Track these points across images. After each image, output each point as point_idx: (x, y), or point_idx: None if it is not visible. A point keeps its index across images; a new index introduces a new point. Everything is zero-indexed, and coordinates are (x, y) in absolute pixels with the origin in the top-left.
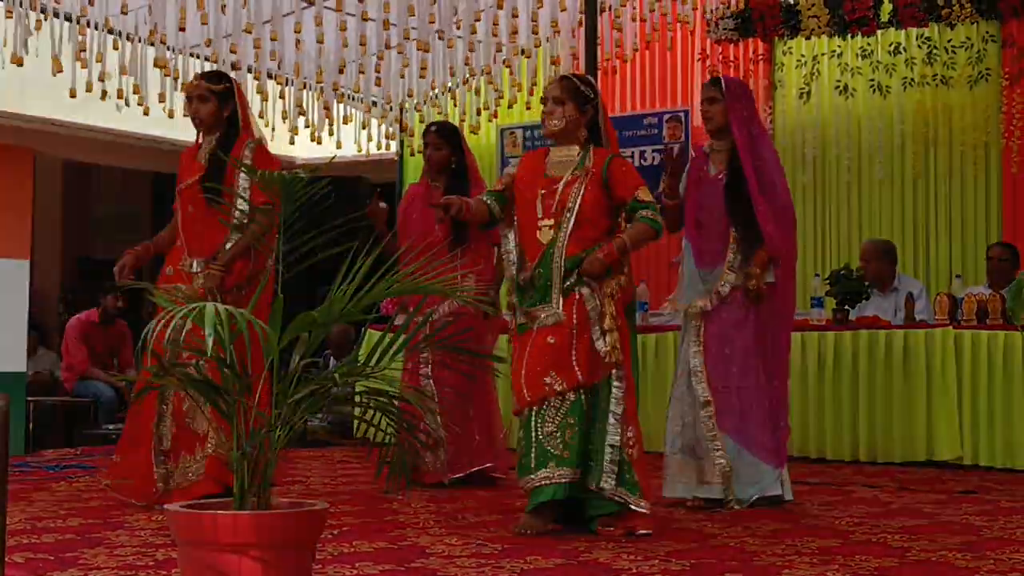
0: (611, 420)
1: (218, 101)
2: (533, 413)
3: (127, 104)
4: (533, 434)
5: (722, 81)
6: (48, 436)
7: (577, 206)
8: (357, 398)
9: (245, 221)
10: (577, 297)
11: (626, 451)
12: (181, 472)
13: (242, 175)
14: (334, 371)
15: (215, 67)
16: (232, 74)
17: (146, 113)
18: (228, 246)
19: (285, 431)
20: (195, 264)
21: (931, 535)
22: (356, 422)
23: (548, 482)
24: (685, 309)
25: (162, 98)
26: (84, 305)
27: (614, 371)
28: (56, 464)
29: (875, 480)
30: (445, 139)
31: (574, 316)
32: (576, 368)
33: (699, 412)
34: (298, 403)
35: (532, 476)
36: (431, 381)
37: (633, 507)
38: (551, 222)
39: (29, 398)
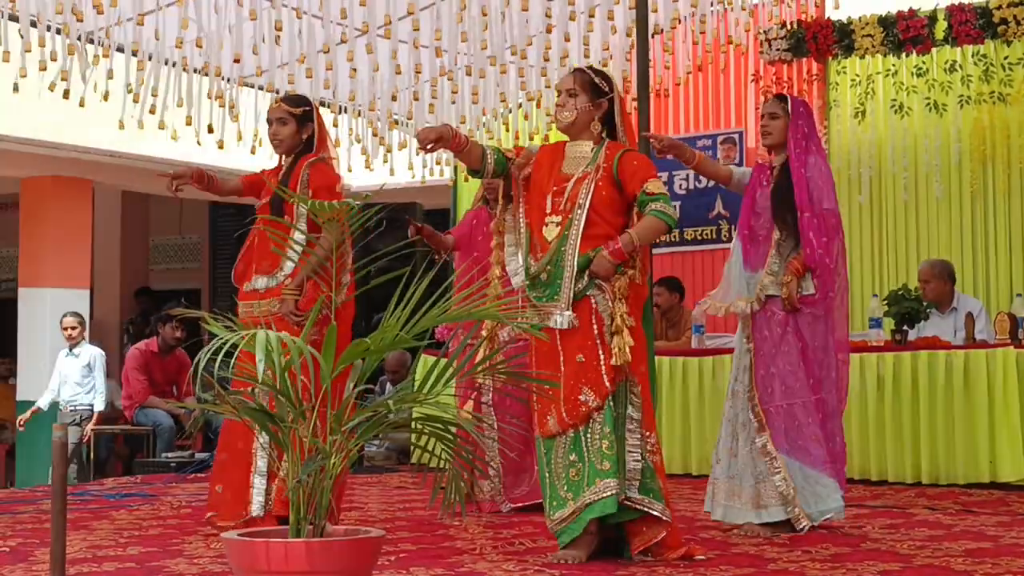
0: (630, 426)
1: (297, 123)
2: (581, 435)
3: (178, 133)
4: (586, 456)
5: (788, 99)
6: (109, 464)
7: (588, 203)
8: (413, 424)
9: (301, 247)
10: (593, 305)
11: (651, 458)
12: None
13: (298, 199)
14: (388, 398)
15: (271, 98)
16: None
17: (199, 143)
18: (283, 272)
19: (340, 459)
20: (260, 281)
21: (995, 558)
22: (413, 448)
23: (596, 498)
24: (726, 308)
25: (211, 129)
26: (148, 334)
27: (628, 375)
28: (116, 492)
29: (937, 502)
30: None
31: (594, 325)
32: (604, 378)
33: (753, 436)
34: (352, 430)
35: (583, 495)
36: (491, 409)
37: (657, 514)
38: (558, 219)
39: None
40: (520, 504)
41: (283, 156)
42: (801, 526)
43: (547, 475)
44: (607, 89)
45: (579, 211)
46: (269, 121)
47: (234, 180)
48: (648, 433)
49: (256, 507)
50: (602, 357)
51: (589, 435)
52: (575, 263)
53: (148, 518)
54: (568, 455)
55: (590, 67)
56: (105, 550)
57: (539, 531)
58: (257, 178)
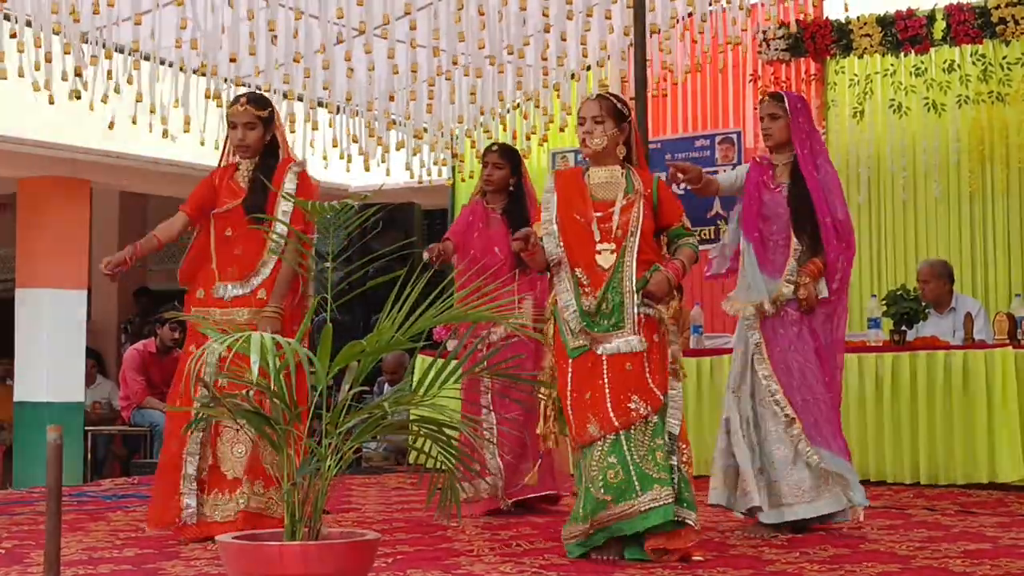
0: (667, 439)
1: (263, 126)
2: (621, 439)
3: (169, 133)
4: (628, 458)
5: (784, 97)
6: (107, 464)
7: (640, 229)
8: (410, 425)
9: (283, 247)
10: (644, 320)
11: (686, 469)
12: (211, 506)
13: (283, 200)
14: (384, 399)
15: (272, 98)
16: (283, 103)
17: (202, 144)
18: (259, 278)
19: (336, 460)
20: (227, 289)
21: (994, 559)
22: (410, 449)
23: (656, 504)
24: (742, 309)
25: (204, 128)
26: (146, 335)
27: (671, 390)
28: (113, 494)
29: (936, 503)
30: (506, 159)
31: (643, 339)
32: (656, 390)
33: (783, 432)
34: (348, 432)
35: (636, 501)
36: (489, 410)
37: (692, 523)
38: (611, 246)
39: (87, 427)
40: (519, 498)
41: (240, 158)
42: (856, 517)
43: (579, 480)
44: (627, 113)
45: (632, 238)
46: (234, 124)
47: (177, 221)
48: (684, 445)
49: (187, 514)
50: (648, 368)
51: (632, 442)
52: (635, 287)
53: (144, 520)
54: (607, 457)
55: (610, 93)
56: (101, 552)
57: (537, 532)
58: (203, 193)
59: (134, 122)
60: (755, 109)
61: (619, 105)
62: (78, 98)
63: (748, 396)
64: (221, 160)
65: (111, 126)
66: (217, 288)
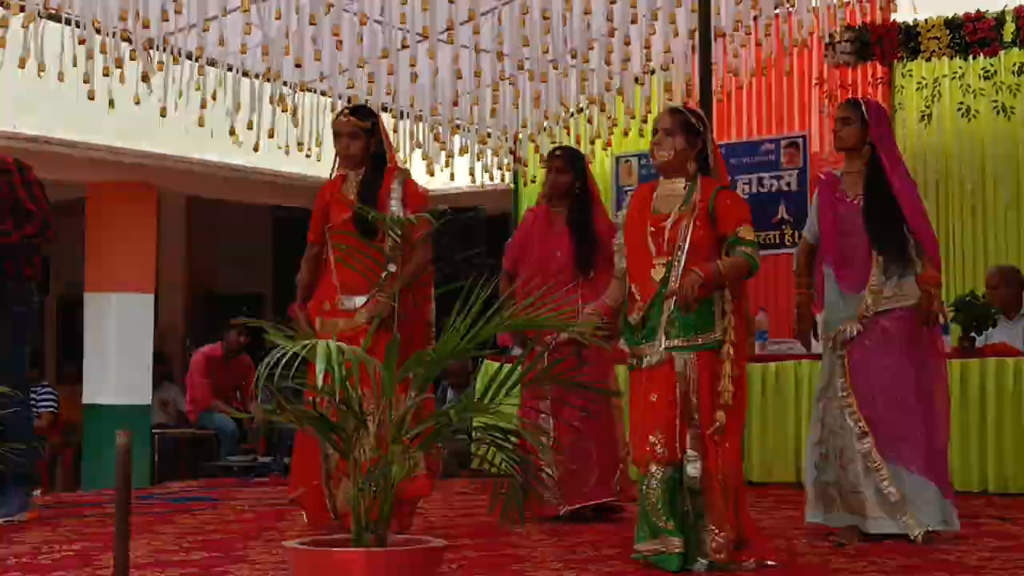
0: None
1: (366, 137)
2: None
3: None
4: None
5: (862, 104)
6: (174, 467)
7: (688, 243)
8: (474, 432)
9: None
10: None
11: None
12: (342, 498)
13: (392, 204)
14: (449, 408)
15: (330, 102)
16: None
17: (255, 149)
18: (386, 274)
19: (402, 467)
20: (354, 301)
21: None
22: (472, 455)
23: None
24: (832, 336)
25: (271, 134)
26: (211, 339)
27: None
28: (180, 496)
29: (1006, 512)
30: (570, 164)
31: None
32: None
33: (855, 443)
34: (414, 439)
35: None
36: (550, 416)
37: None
38: (664, 260)
39: (154, 430)
40: (577, 506)
41: (346, 169)
42: (914, 535)
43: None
44: (701, 129)
45: (679, 252)
46: (338, 134)
47: (314, 253)
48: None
49: (331, 512)
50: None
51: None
52: (673, 302)
53: (211, 523)
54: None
55: (686, 106)
56: (168, 555)
57: (601, 539)
58: (318, 217)
59: (201, 123)
60: (821, 113)
61: (693, 119)
62: (137, 103)
63: (832, 405)
64: (332, 171)
65: (192, 130)
66: (342, 301)
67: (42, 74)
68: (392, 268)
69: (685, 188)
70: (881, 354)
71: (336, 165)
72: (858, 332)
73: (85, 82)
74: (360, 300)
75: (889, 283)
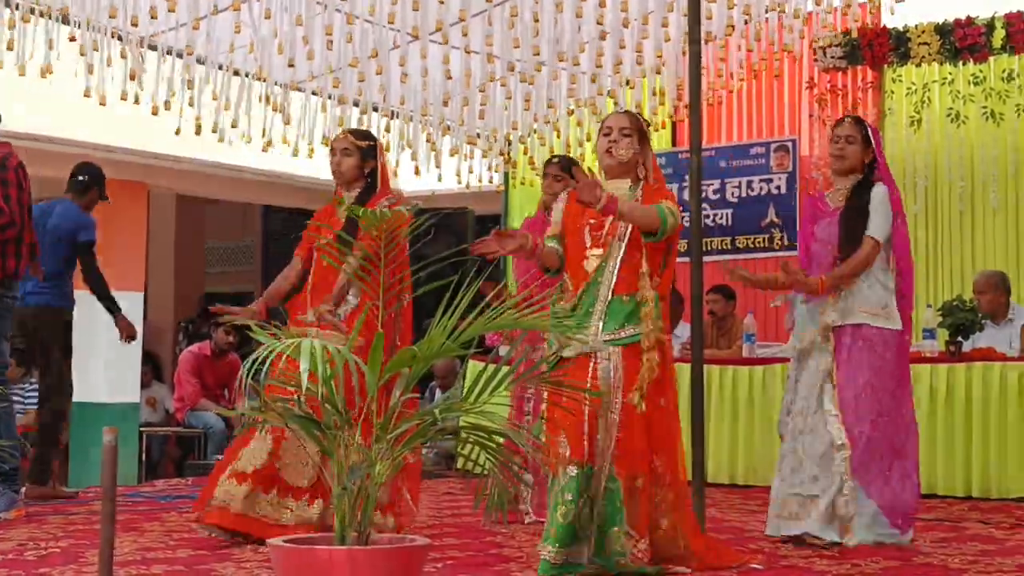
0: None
1: (361, 156)
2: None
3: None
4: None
5: (865, 123)
6: (162, 466)
7: (628, 234)
8: (459, 432)
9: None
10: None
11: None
12: (273, 506)
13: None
14: (434, 407)
15: (320, 101)
16: (337, 108)
17: (265, 148)
18: (351, 305)
19: (386, 466)
20: (313, 313)
21: None
22: (457, 455)
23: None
24: (798, 346)
25: (264, 133)
26: (204, 338)
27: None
28: (167, 495)
29: (989, 516)
30: (566, 172)
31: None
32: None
33: (833, 454)
34: (399, 438)
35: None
36: (531, 417)
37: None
38: (599, 251)
39: (142, 428)
40: (542, 520)
41: (343, 189)
42: (849, 541)
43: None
44: (649, 136)
45: (618, 243)
46: (333, 151)
47: (294, 268)
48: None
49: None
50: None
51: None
52: (610, 293)
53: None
54: (564, 493)
55: (636, 111)
56: (155, 552)
57: None
58: (311, 236)
59: (198, 131)
60: (811, 117)
61: (644, 125)
62: (136, 102)
63: (805, 414)
64: (336, 192)
65: (177, 132)
66: (310, 313)
67: (30, 71)
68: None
69: (628, 188)
70: (857, 372)
71: (336, 187)
72: (823, 344)
73: (75, 77)
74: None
75: (852, 294)
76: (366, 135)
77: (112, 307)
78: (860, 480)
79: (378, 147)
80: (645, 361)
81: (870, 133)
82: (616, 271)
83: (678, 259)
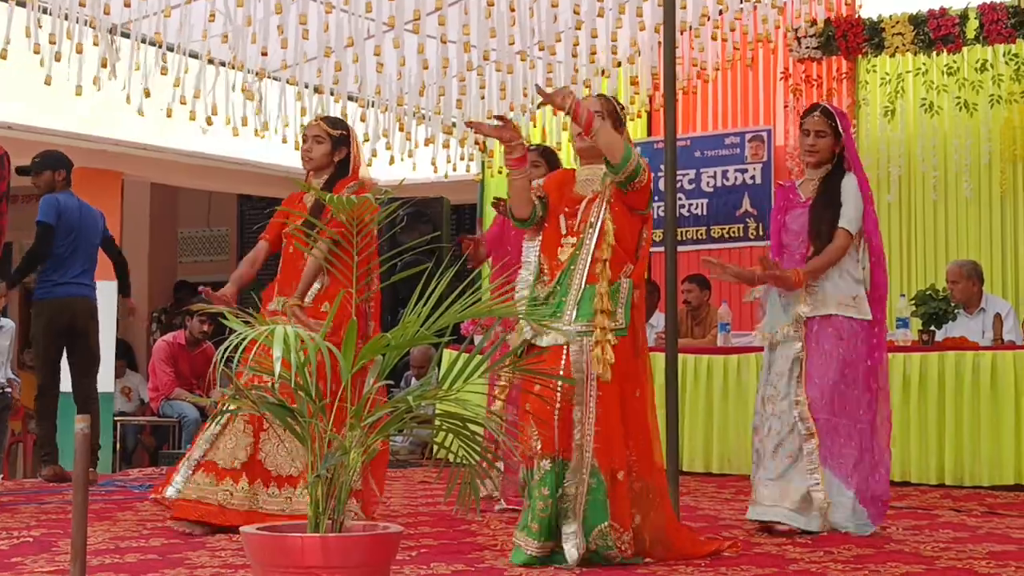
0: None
1: (332, 144)
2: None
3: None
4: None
5: (835, 115)
6: (135, 455)
7: (600, 222)
8: (436, 421)
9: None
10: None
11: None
12: (249, 496)
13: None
14: (407, 394)
15: (296, 90)
16: (314, 97)
17: (236, 134)
18: (314, 291)
19: (359, 454)
20: (281, 302)
21: (1019, 561)
22: (431, 443)
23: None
24: (770, 338)
25: (245, 121)
26: (177, 327)
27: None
28: (141, 484)
29: (962, 504)
30: (545, 160)
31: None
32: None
33: (802, 444)
34: (372, 426)
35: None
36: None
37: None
38: (573, 240)
39: (116, 418)
40: (512, 507)
41: (311, 175)
42: (823, 528)
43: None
44: (624, 121)
45: (591, 230)
46: (305, 138)
47: (259, 251)
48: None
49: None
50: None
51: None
52: (583, 282)
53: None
54: (540, 487)
55: (614, 98)
56: (128, 541)
57: None
58: (279, 220)
59: (169, 114)
60: (786, 107)
61: (619, 109)
62: (99, 89)
63: (778, 402)
64: (307, 178)
65: (140, 113)
66: (276, 301)
67: (2, 60)
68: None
69: (603, 173)
70: (826, 362)
71: (307, 173)
72: (794, 334)
73: (42, 66)
74: (282, 301)
75: (823, 286)
76: (339, 123)
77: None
78: (834, 470)
79: (351, 136)
80: (594, 359)
81: (839, 124)
82: (589, 260)
83: (652, 248)
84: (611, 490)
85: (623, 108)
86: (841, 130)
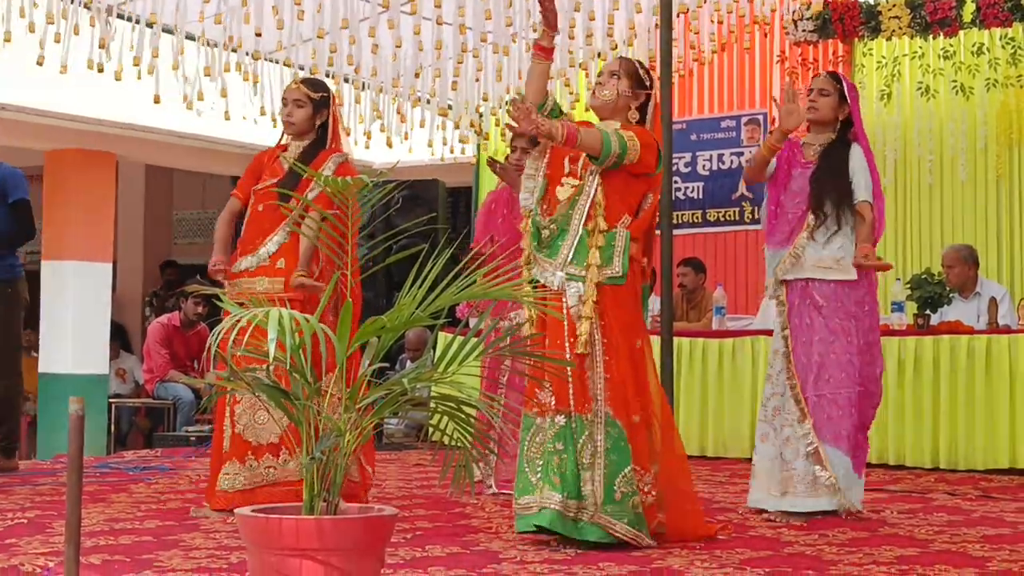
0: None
1: (313, 108)
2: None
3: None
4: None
5: (841, 78)
6: (131, 437)
7: (600, 172)
8: (431, 403)
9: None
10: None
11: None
12: (249, 473)
13: (316, 185)
14: (402, 376)
15: (292, 72)
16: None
17: (227, 118)
18: (266, 248)
19: (354, 436)
20: (244, 261)
21: (1013, 544)
22: (426, 426)
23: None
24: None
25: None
26: (170, 308)
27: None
28: (135, 466)
29: (956, 487)
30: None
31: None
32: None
33: (796, 426)
34: (367, 408)
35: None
36: (504, 389)
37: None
38: (575, 182)
39: (111, 400)
40: (506, 492)
41: (291, 139)
42: (843, 511)
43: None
44: (648, 84)
45: (592, 178)
46: (285, 101)
47: (231, 207)
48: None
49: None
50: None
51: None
52: (580, 228)
53: (166, 491)
54: (555, 442)
55: (639, 60)
56: (122, 523)
57: None
58: (249, 176)
59: (157, 100)
60: (782, 91)
61: (641, 71)
62: (100, 71)
63: (775, 381)
64: (280, 139)
65: (156, 100)
66: (240, 261)
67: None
68: (276, 238)
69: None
70: (815, 330)
71: (283, 133)
72: (775, 293)
73: (42, 48)
74: (247, 261)
75: (812, 247)
76: (320, 85)
77: None
78: (829, 443)
79: (331, 98)
80: (588, 302)
81: (846, 88)
82: (587, 207)
83: None
84: (631, 435)
85: (649, 70)
86: (847, 95)
